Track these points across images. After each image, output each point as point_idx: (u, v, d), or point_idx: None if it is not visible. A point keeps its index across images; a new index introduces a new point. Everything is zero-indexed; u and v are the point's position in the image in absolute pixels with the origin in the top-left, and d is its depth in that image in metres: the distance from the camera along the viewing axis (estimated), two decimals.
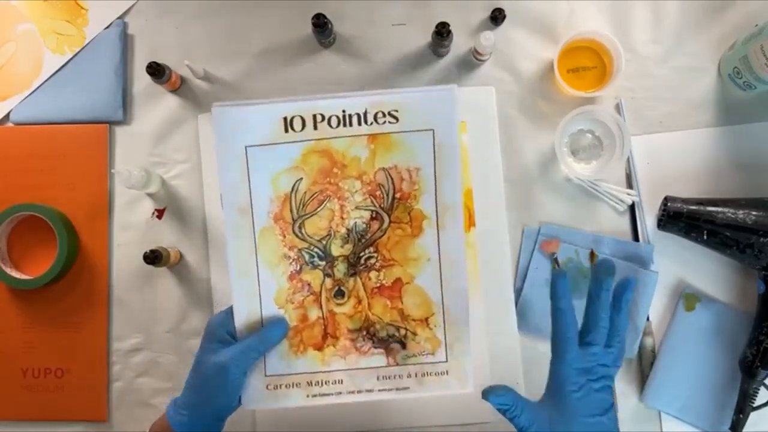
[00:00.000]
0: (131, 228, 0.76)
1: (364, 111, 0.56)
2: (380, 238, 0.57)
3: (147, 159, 0.76)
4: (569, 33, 0.72)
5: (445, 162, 0.56)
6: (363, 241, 0.57)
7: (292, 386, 0.58)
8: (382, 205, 0.57)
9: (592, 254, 0.72)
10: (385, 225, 0.57)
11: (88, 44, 0.77)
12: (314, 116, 0.56)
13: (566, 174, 0.74)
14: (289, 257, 0.58)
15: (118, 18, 0.78)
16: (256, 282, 0.57)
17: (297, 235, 0.57)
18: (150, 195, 0.76)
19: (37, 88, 0.77)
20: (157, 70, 0.71)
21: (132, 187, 0.71)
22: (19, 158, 0.76)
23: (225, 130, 0.56)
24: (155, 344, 0.75)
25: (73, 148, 0.76)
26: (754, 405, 0.68)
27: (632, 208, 0.74)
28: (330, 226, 0.57)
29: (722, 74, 0.74)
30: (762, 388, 0.68)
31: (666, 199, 0.70)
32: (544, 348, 0.73)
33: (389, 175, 0.57)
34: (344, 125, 0.56)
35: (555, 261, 0.65)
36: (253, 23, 0.77)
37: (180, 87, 0.77)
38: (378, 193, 0.57)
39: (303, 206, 0.57)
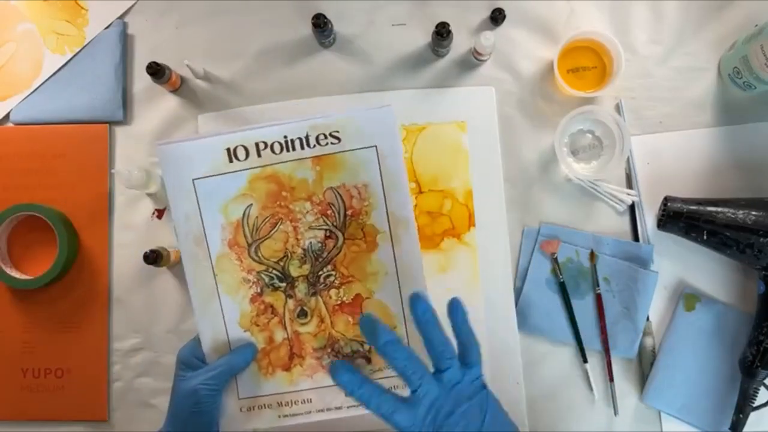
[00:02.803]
0: (131, 228, 0.76)
1: (305, 135, 0.57)
2: (337, 255, 0.59)
3: (147, 159, 0.76)
4: (569, 33, 0.72)
5: (391, 176, 0.58)
6: (320, 260, 0.59)
7: (264, 407, 0.59)
8: (334, 224, 0.58)
9: (592, 254, 0.72)
10: (340, 242, 0.58)
11: (88, 44, 0.77)
12: (257, 144, 0.57)
13: (566, 174, 0.74)
14: (249, 281, 0.59)
15: (118, 18, 0.77)
16: (218, 307, 0.59)
17: (254, 259, 0.58)
18: (150, 195, 0.76)
19: (37, 88, 0.77)
20: (157, 70, 0.71)
21: (132, 187, 0.71)
22: (19, 158, 0.76)
23: (172, 166, 0.57)
24: (155, 344, 0.75)
25: (73, 148, 0.76)
26: (754, 405, 0.68)
27: (632, 208, 0.74)
28: (285, 247, 0.58)
29: (722, 74, 0.74)
30: (762, 388, 0.68)
31: (666, 199, 0.70)
32: (544, 348, 0.73)
33: (338, 193, 0.58)
34: (287, 150, 0.57)
35: None
36: (253, 23, 0.77)
37: (180, 87, 0.77)
38: (329, 212, 0.58)
39: (256, 231, 0.58)
